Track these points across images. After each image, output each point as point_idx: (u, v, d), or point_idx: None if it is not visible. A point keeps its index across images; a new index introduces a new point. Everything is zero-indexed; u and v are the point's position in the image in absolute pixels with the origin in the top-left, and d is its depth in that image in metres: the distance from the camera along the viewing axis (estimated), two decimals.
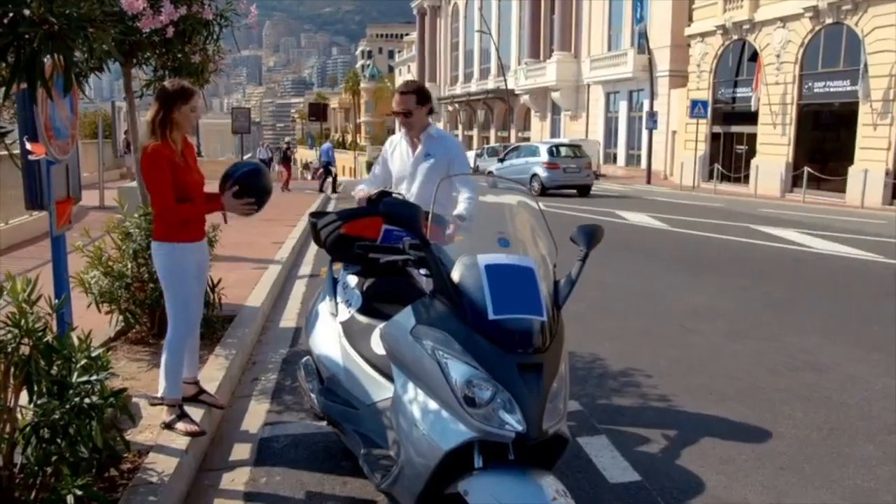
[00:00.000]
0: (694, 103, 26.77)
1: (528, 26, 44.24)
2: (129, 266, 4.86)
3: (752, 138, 26.34)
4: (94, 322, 4.44)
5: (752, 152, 26.30)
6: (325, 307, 3.56)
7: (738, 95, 27.11)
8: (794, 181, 23.75)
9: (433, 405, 2.41)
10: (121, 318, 5.02)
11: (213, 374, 4.40)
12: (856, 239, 12.41)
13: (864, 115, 21.20)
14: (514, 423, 2.25)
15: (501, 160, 25.10)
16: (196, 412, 3.72)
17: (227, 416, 4.20)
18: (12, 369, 2.50)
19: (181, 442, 3.38)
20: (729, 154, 27.96)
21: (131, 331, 5.12)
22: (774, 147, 24.92)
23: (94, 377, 2.63)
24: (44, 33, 2.23)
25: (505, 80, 42.58)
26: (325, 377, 3.41)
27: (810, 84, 23.71)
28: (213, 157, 37.15)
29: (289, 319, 6.57)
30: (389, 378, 2.76)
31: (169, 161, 3.45)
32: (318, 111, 34.01)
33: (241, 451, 3.76)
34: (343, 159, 55.99)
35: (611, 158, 36.32)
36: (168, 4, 4.03)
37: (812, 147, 24.02)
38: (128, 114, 5.79)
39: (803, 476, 3.54)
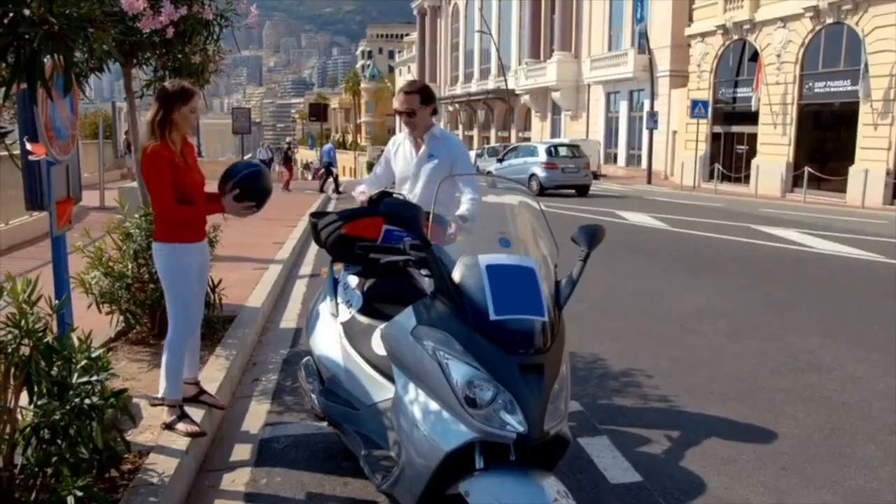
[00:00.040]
0: (694, 103, 26.78)
1: (529, 26, 44.25)
2: (130, 266, 4.86)
3: (752, 138, 26.34)
4: (94, 322, 4.44)
5: (752, 152, 26.31)
6: (325, 308, 3.56)
7: (739, 95, 27.12)
8: (795, 181, 23.74)
9: (434, 406, 2.40)
10: (121, 318, 5.02)
11: (213, 375, 4.40)
12: (856, 239, 12.41)
13: (865, 114, 21.20)
14: (515, 423, 2.25)
15: (500, 160, 25.12)
16: (197, 413, 3.71)
17: (228, 416, 4.20)
18: (12, 370, 2.50)
19: (182, 442, 3.38)
20: (729, 154, 27.96)
21: (132, 331, 5.12)
22: (775, 147, 24.92)
23: (94, 378, 2.63)
24: (44, 33, 2.23)
25: (505, 81, 42.59)
26: (325, 378, 3.40)
27: (811, 84, 23.71)
28: (213, 158, 37.23)
29: (289, 320, 6.57)
30: (390, 379, 2.76)
31: (169, 162, 3.44)
32: (318, 111, 34.03)
33: (242, 451, 3.75)
34: (343, 159, 55.99)
35: (611, 158, 36.31)
36: (168, 5, 4.03)
37: (812, 147, 24.01)
38: (128, 114, 5.78)
39: (805, 476, 3.53)
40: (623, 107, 35.48)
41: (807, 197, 21.70)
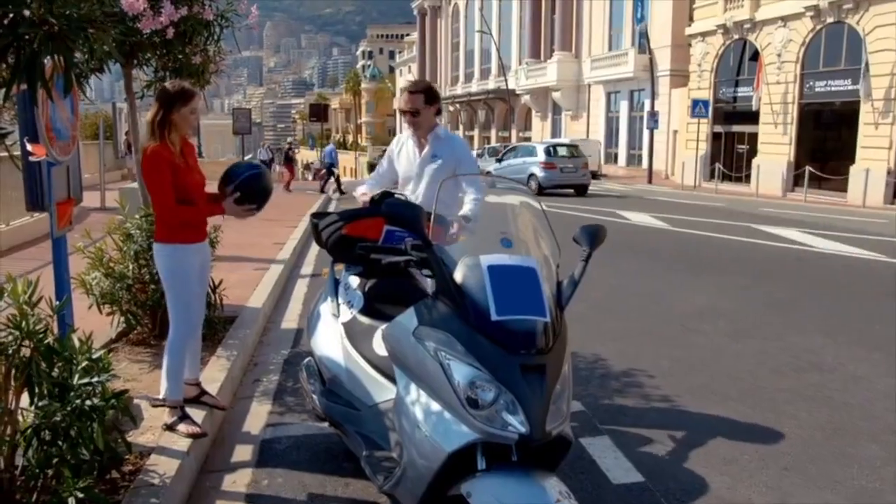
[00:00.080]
0: (695, 103, 26.76)
1: (529, 26, 44.23)
2: (131, 267, 4.85)
3: (753, 138, 26.32)
4: (95, 323, 4.43)
5: (753, 152, 26.29)
6: (326, 308, 3.55)
7: (740, 95, 27.10)
8: (796, 180, 23.73)
9: (436, 407, 2.40)
10: (122, 319, 5.01)
11: (214, 376, 4.39)
12: (857, 238, 12.40)
13: (866, 114, 21.18)
14: (517, 424, 2.24)
15: (499, 160, 25.17)
16: (198, 413, 3.71)
17: (229, 417, 4.20)
18: (13, 371, 2.49)
19: (183, 443, 3.38)
20: (730, 153, 27.95)
21: (133, 332, 5.11)
22: (776, 146, 24.90)
23: (95, 379, 2.62)
24: (44, 34, 2.22)
25: (506, 81, 42.58)
26: (326, 378, 3.40)
27: (811, 83, 23.70)
28: (213, 158, 37.20)
29: (290, 320, 6.56)
30: (392, 379, 2.75)
31: (169, 162, 3.44)
32: (318, 112, 34.06)
33: (243, 452, 3.75)
34: (344, 160, 56.02)
35: (612, 158, 36.30)
36: (168, 5, 4.03)
37: (813, 146, 24.00)
38: (129, 115, 5.78)
39: (808, 477, 3.53)
40: (623, 107, 35.47)
41: (808, 196, 21.68)
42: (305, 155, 58.85)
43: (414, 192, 4.09)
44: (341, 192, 22.88)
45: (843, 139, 22.51)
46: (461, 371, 2.31)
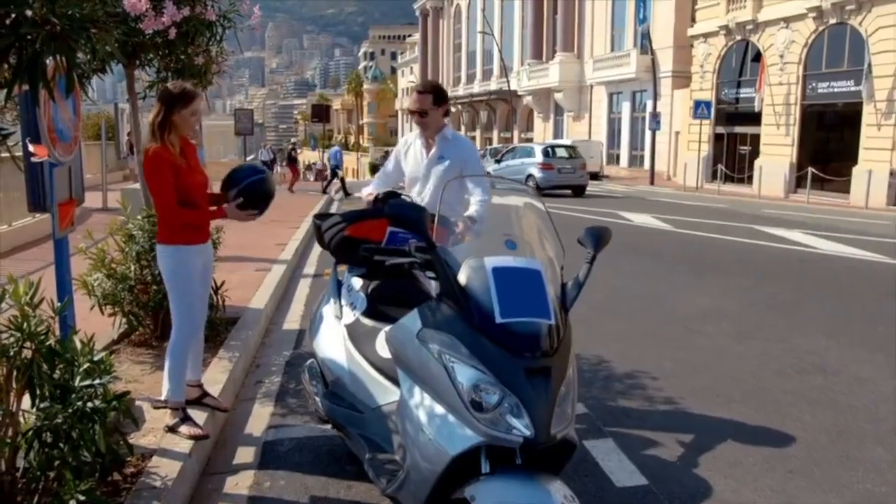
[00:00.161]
0: (697, 104, 26.77)
1: (531, 27, 44.25)
2: (133, 268, 4.85)
3: (755, 139, 26.30)
4: (97, 325, 4.42)
5: (755, 153, 26.25)
6: (329, 310, 3.54)
7: (742, 96, 27.08)
8: (798, 182, 23.69)
9: (440, 409, 2.38)
10: (124, 320, 5.00)
11: (216, 377, 4.38)
12: (860, 240, 12.37)
13: (868, 115, 21.15)
14: (521, 427, 2.23)
15: (498, 161, 25.22)
16: (200, 415, 3.70)
17: (231, 419, 4.18)
18: (15, 373, 2.48)
19: (185, 445, 3.36)
20: (732, 155, 27.91)
21: (134, 333, 5.11)
22: (778, 148, 24.87)
23: (97, 381, 2.61)
24: (46, 34, 2.21)
25: (508, 81, 42.58)
26: (329, 380, 3.38)
27: (814, 84, 23.67)
28: (215, 159, 37.17)
29: (292, 322, 6.55)
30: (395, 382, 2.73)
31: (170, 164, 3.43)
32: (320, 113, 34.04)
33: (245, 454, 3.73)
34: (346, 160, 56.02)
35: (614, 159, 36.29)
36: (171, 6, 4.02)
37: (816, 148, 23.97)
38: (131, 115, 5.78)
39: (813, 480, 3.50)
40: (626, 107, 35.45)
41: (810, 198, 21.64)
42: (307, 156, 58.90)
43: (420, 194, 4.08)
44: (346, 195, 22.78)
45: (846, 140, 22.47)
46: (465, 374, 2.29)
